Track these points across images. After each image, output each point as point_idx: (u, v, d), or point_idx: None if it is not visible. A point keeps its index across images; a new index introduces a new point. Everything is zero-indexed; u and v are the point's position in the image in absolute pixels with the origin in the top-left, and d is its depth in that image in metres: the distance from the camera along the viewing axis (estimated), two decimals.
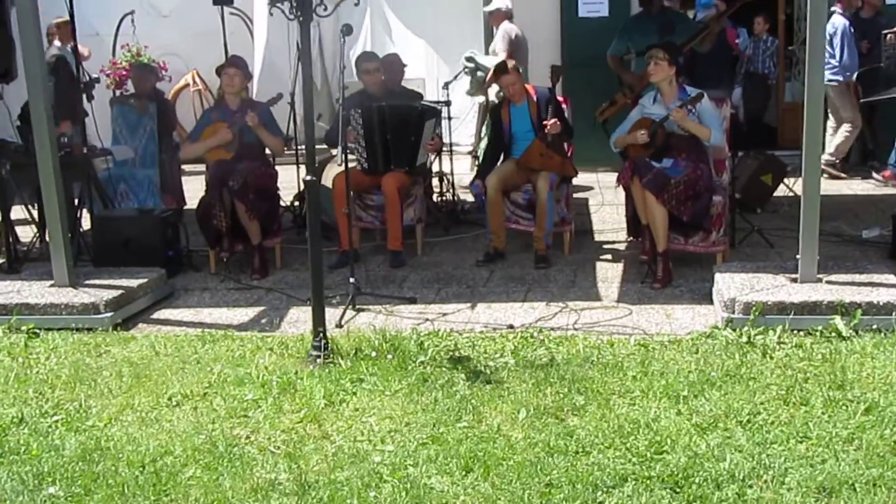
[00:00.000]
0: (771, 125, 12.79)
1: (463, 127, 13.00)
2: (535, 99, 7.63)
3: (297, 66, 9.72)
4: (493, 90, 10.02)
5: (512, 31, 10.39)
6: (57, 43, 11.50)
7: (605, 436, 4.27)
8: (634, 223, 7.19)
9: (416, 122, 7.61)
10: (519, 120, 7.70)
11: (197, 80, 13.79)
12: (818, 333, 5.43)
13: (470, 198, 8.69)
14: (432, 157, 8.60)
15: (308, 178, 5.31)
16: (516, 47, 10.30)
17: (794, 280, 5.92)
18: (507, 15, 10.55)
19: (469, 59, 10.71)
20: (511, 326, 5.93)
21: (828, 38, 10.21)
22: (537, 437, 4.29)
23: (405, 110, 7.68)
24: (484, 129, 10.48)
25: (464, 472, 4.00)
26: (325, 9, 5.22)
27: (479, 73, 10.49)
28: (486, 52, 11.12)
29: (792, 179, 8.70)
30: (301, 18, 5.14)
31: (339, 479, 3.99)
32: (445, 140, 9.28)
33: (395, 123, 7.56)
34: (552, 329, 5.85)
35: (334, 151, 7.07)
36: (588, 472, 3.95)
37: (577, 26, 11.57)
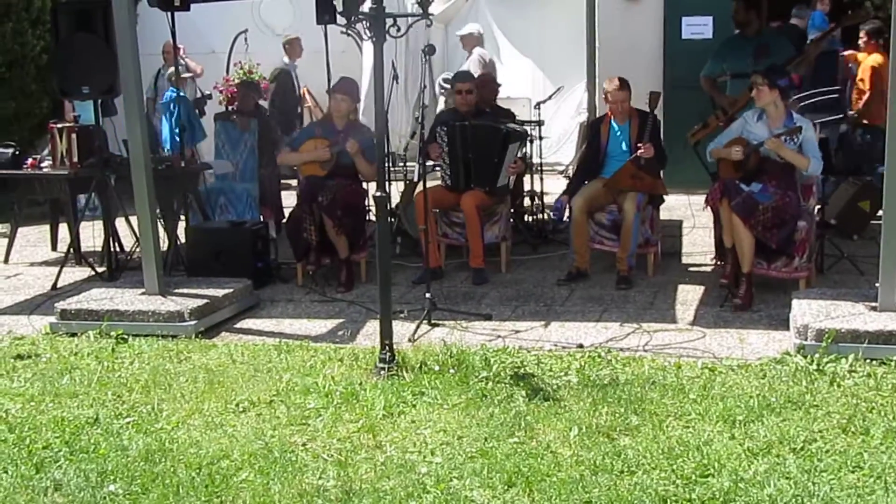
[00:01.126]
0: None
1: (566, 147, 13.08)
2: (638, 121, 7.63)
3: (397, 86, 9.96)
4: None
5: (485, 55, 11.11)
6: (286, 59, 12.11)
7: (653, 457, 4.27)
8: (722, 246, 7.10)
9: (500, 145, 7.68)
10: (617, 140, 7.69)
11: (308, 97, 14.11)
12: (892, 364, 5.31)
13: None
14: (513, 178, 8.60)
15: (377, 194, 5.44)
16: (488, 70, 10.80)
17: (874, 308, 5.81)
18: (479, 40, 11.14)
19: (446, 81, 11.20)
20: (581, 346, 5.95)
21: None
22: (585, 455, 4.31)
23: (489, 131, 7.76)
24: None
25: (506, 487, 4.05)
26: (399, 30, 5.35)
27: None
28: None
29: None
30: (374, 39, 5.26)
31: (383, 488, 4.08)
32: (536, 160, 9.34)
33: (477, 143, 7.66)
34: (621, 349, 5.85)
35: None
36: (629, 492, 3.95)
37: (679, 48, 11.50)
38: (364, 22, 5.31)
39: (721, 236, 6.99)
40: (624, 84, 7.59)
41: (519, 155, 7.93)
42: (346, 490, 4.07)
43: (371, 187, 8.00)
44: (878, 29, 9.75)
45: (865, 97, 9.66)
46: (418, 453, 4.42)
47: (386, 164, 8.88)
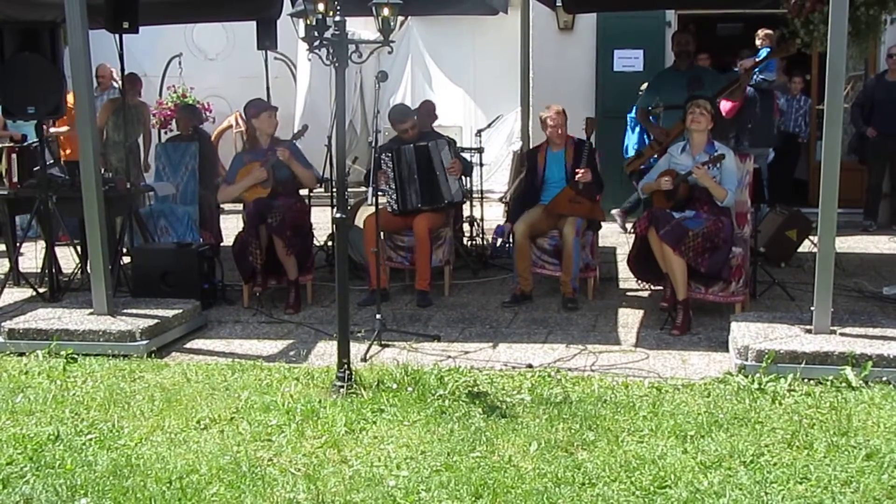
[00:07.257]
0: (802, 183, 12.92)
1: (498, 174, 13.30)
2: (573, 148, 7.86)
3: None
4: None
5: None
6: None
7: (611, 470, 4.43)
8: (637, 266, 7.31)
9: (437, 157, 7.87)
10: (554, 166, 7.89)
11: (240, 121, 14.14)
12: (828, 383, 5.56)
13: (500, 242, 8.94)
14: (463, 183, 8.63)
15: (337, 215, 5.55)
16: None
17: (809, 331, 6.06)
18: None
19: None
20: (530, 366, 6.11)
21: None
22: (546, 468, 4.46)
23: (425, 149, 7.94)
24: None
25: (473, 498, 4.18)
26: (360, 56, 5.49)
27: None
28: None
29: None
30: (337, 64, 5.39)
31: (354, 501, 4.18)
32: (476, 187, 9.51)
33: (420, 163, 7.85)
34: (570, 370, 6.02)
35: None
36: (592, 502, 4.11)
37: (611, 79, 11.83)
38: (326, 48, 5.43)
39: (637, 257, 7.21)
40: (562, 111, 7.84)
41: (452, 157, 7.99)
42: (318, 502, 4.16)
43: (315, 210, 8.14)
44: None
45: None
46: (384, 467, 4.53)
47: (345, 187, 9.04)
